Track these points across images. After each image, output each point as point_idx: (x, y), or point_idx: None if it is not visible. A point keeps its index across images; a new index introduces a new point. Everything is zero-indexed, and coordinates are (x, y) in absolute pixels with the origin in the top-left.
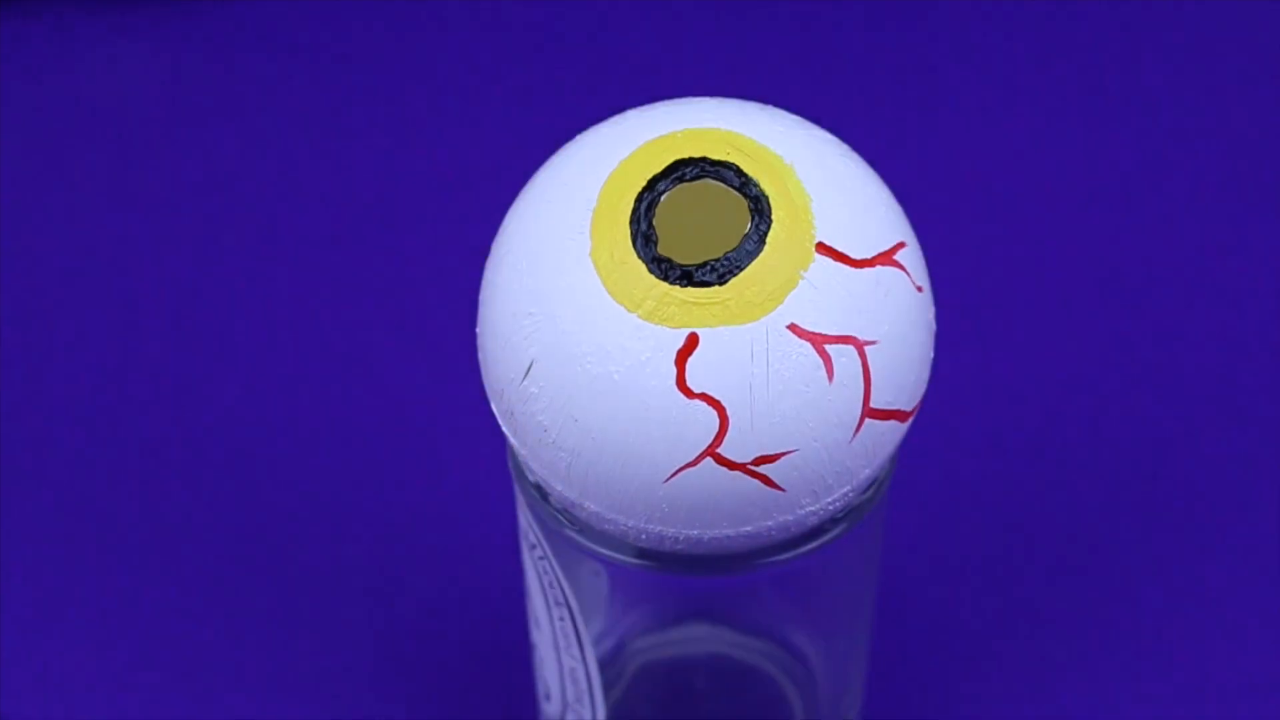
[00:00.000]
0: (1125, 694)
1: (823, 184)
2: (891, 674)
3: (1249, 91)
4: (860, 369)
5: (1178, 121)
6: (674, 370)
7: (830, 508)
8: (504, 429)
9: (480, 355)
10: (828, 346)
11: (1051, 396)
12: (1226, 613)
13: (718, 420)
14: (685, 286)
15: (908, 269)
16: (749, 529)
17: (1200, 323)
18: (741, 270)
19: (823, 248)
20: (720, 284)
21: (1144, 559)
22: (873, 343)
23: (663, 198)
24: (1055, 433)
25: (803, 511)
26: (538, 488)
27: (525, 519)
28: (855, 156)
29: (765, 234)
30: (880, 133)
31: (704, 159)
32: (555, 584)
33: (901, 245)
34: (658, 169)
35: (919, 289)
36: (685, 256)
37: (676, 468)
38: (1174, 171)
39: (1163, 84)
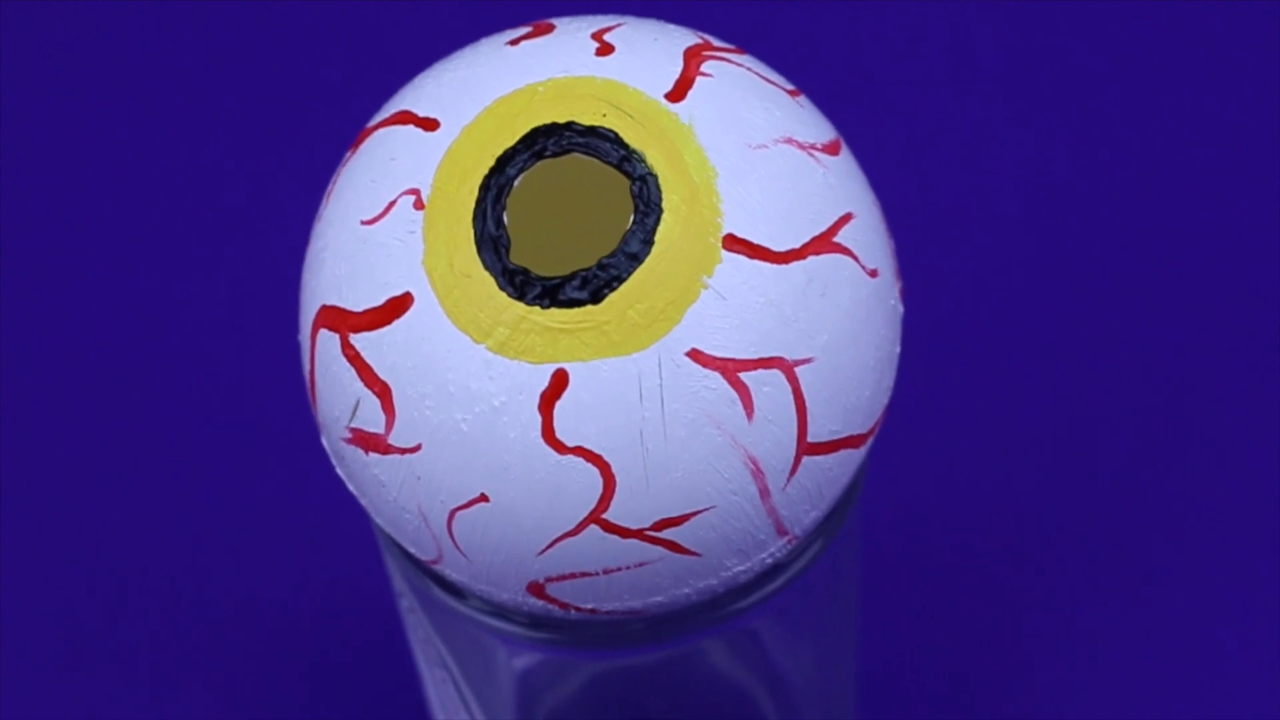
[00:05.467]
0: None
1: (735, 145)
2: (889, 692)
3: (1245, 94)
4: (790, 398)
5: (1171, 119)
6: (538, 418)
7: (767, 562)
8: (338, 471)
9: (304, 375)
10: (744, 375)
11: (1045, 395)
12: (1222, 616)
13: (600, 480)
14: (548, 307)
15: (855, 251)
16: (659, 599)
17: (1200, 324)
18: (622, 282)
19: (733, 241)
20: (594, 302)
21: (1143, 564)
22: (805, 361)
23: (516, 183)
24: (1051, 435)
25: (729, 574)
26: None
27: (389, 561)
28: (783, 91)
29: (653, 230)
30: (859, 113)
31: (571, 125)
32: (430, 642)
33: (847, 219)
34: (509, 141)
35: (872, 274)
36: (547, 265)
37: (551, 539)
38: (1167, 169)
39: (1162, 86)
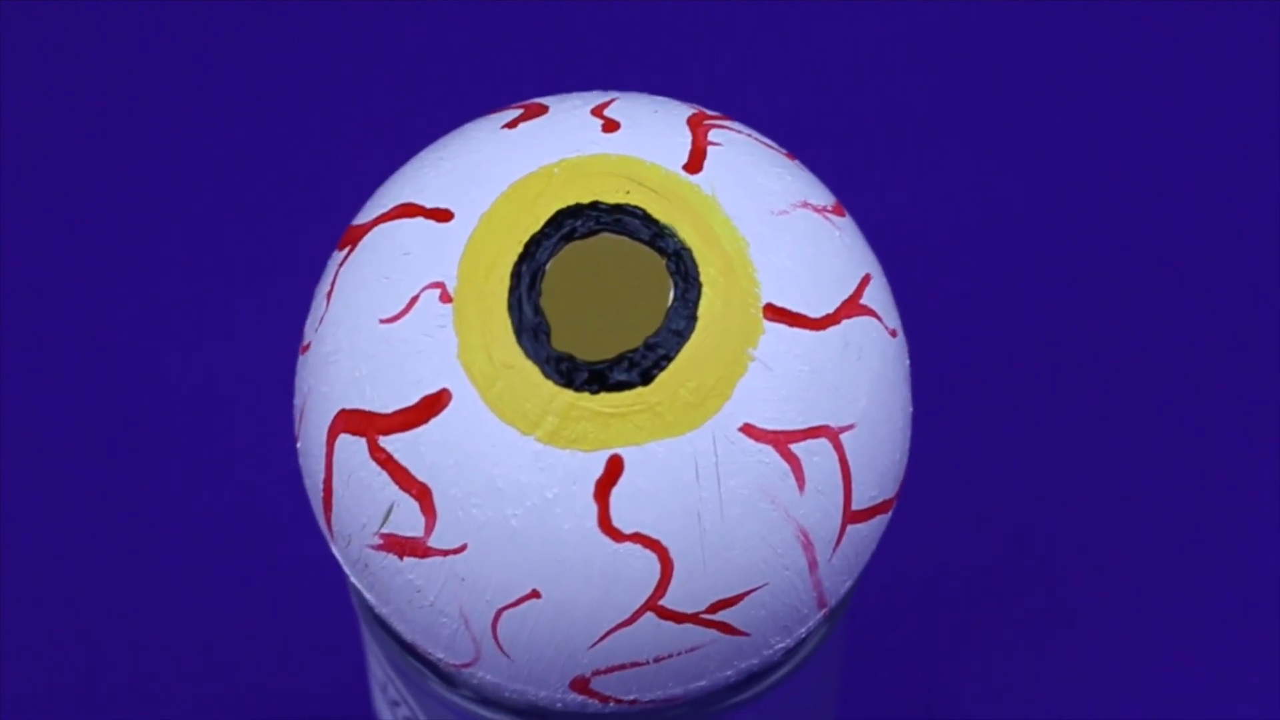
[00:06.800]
0: None
1: (759, 214)
2: None
3: (1241, 103)
4: (837, 465)
5: (1177, 143)
6: (594, 507)
7: (801, 635)
8: (355, 581)
9: (308, 483)
10: (794, 446)
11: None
12: (1220, 655)
13: (658, 566)
14: (597, 392)
15: (878, 312)
16: (702, 683)
17: (1195, 334)
18: (671, 360)
19: (773, 311)
20: (644, 383)
21: (1144, 607)
22: (849, 428)
23: (547, 267)
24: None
25: (770, 652)
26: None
27: (381, 668)
28: (783, 155)
29: (695, 305)
30: (845, 153)
31: (596, 204)
32: None
33: (867, 280)
34: (535, 226)
35: (892, 334)
36: (589, 349)
37: (605, 630)
38: (1173, 195)
39: (1164, 98)
